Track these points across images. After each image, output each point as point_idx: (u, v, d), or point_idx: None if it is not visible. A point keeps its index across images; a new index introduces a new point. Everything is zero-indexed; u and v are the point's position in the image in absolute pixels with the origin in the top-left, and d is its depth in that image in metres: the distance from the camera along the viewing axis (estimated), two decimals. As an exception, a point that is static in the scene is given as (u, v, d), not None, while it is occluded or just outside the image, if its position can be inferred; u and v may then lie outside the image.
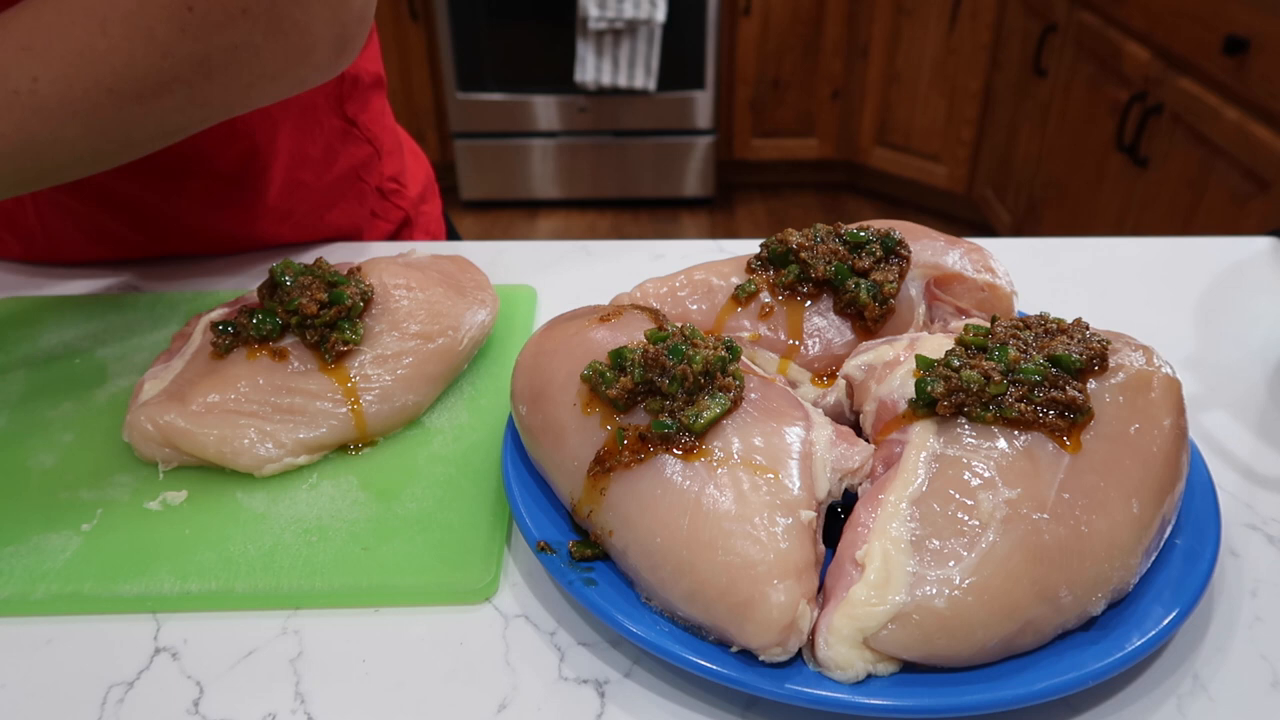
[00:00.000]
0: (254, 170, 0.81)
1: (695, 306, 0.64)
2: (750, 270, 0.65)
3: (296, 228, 0.86)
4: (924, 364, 0.52)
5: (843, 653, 0.44)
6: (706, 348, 0.53)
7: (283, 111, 0.80)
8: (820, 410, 0.55)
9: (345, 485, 0.59)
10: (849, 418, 0.57)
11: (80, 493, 0.58)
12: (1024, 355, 0.51)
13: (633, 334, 0.56)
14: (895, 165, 3.08)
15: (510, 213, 3.27)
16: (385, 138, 0.91)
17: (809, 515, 0.47)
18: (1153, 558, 0.48)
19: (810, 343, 0.62)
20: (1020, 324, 0.55)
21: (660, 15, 2.81)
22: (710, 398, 0.51)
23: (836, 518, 0.52)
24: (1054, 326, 0.54)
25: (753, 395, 0.53)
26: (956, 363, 0.51)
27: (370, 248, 0.87)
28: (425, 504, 0.57)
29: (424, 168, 0.99)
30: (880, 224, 0.66)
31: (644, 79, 2.92)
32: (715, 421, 0.50)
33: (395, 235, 0.95)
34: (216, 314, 0.66)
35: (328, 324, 0.61)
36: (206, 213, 0.82)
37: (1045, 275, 0.83)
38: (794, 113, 3.13)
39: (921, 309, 0.64)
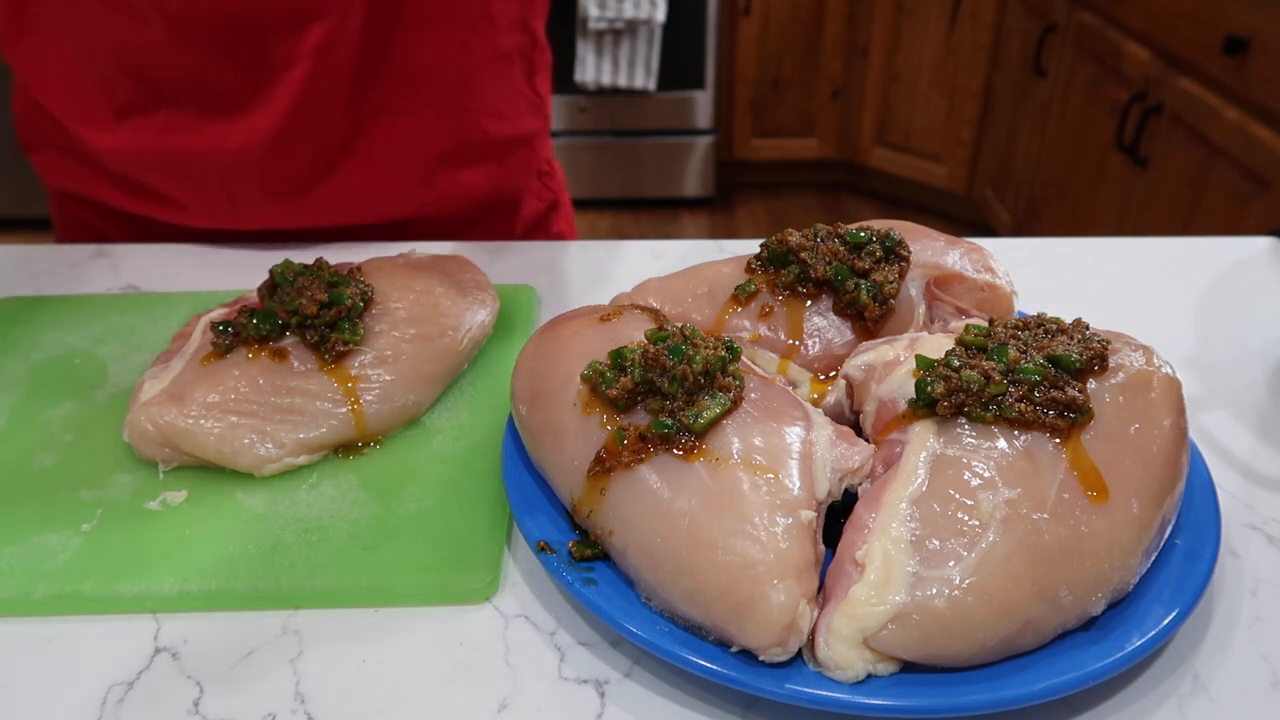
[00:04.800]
0: (459, 109, 0.87)
1: (695, 306, 0.64)
2: (750, 270, 0.65)
3: (472, 175, 0.91)
4: (924, 364, 0.52)
5: (843, 653, 0.44)
6: (706, 348, 0.53)
7: (493, 62, 0.87)
8: (820, 410, 0.55)
9: (345, 485, 0.59)
10: (849, 418, 0.57)
11: (80, 493, 0.58)
12: (1024, 355, 0.51)
13: (633, 334, 0.56)
14: (895, 165, 3.08)
15: (510, 213, 3.26)
16: (548, 120, 0.99)
17: (809, 515, 0.47)
18: (1153, 558, 0.48)
19: (810, 343, 0.62)
20: (1020, 324, 0.55)
21: (660, 15, 2.80)
22: (710, 398, 0.51)
23: (836, 518, 0.52)
24: (1054, 326, 0.54)
25: (753, 395, 0.53)
26: (956, 363, 0.51)
27: (370, 248, 0.87)
28: (425, 504, 0.57)
29: (557, 163, 1.07)
30: (880, 224, 0.66)
31: (644, 79, 2.92)
32: (715, 421, 0.50)
33: (544, 216, 1.02)
34: (216, 314, 0.66)
35: (328, 324, 0.61)
36: (410, 141, 0.86)
37: (1045, 275, 0.83)
38: (794, 113, 3.13)
39: (921, 309, 0.64)
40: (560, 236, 1.05)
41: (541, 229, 1.03)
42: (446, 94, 0.86)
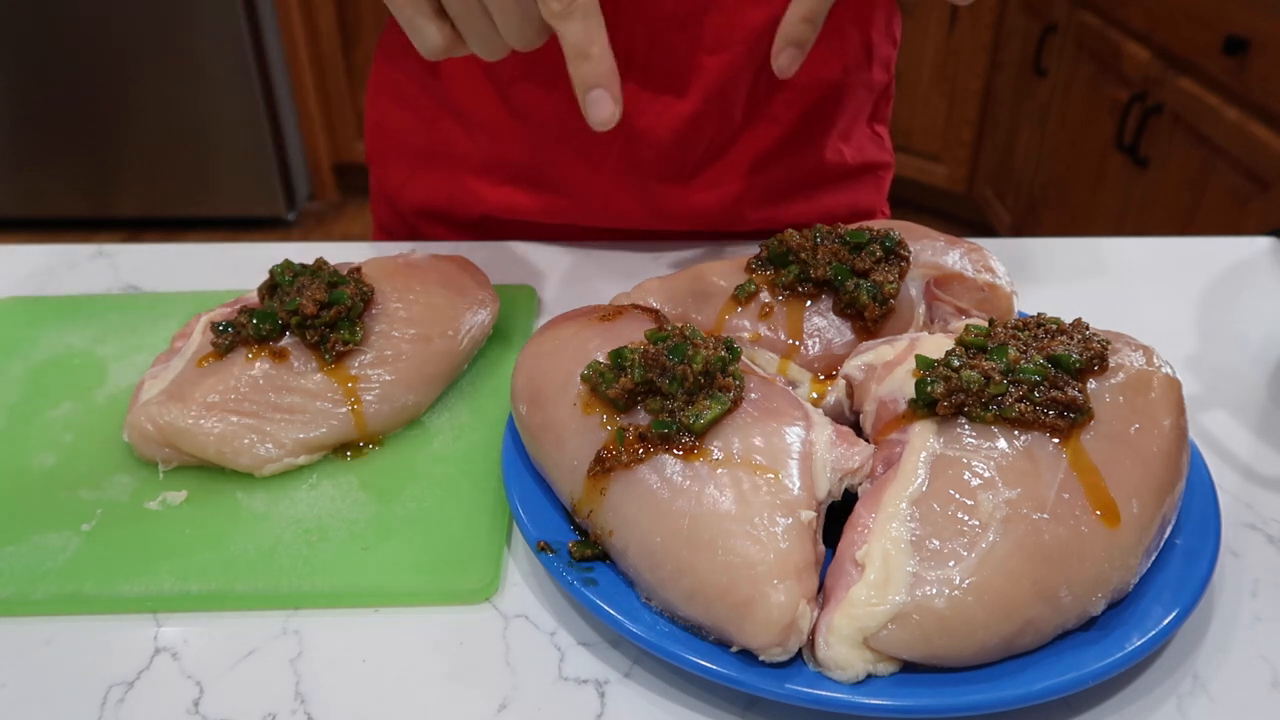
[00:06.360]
0: (819, 130, 0.88)
1: (695, 306, 0.64)
2: (750, 270, 0.65)
3: (819, 197, 0.93)
4: (924, 364, 0.52)
5: (843, 653, 0.44)
6: (706, 348, 0.53)
7: (859, 90, 0.89)
8: (820, 410, 0.55)
9: (345, 485, 0.59)
10: (849, 418, 0.57)
11: (80, 493, 0.58)
12: (1024, 355, 0.51)
13: (633, 334, 0.56)
14: (895, 165, 3.07)
15: (510, 213, 3.25)
16: (891, 156, 1.00)
17: (809, 515, 0.47)
18: (1153, 558, 0.48)
19: (810, 343, 0.62)
20: (1020, 324, 0.55)
21: (660, 15, 2.80)
22: (710, 398, 0.51)
23: (836, 518, 0.52)
24: (1054, 326, 0.54)
25: (753, 395, 0.53)
26: (956, 363, 0.51)
27: (370, 248, 0.87)
28: (425, 504, 0.57)
29: None
30: (880, 224, 0.66)
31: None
32: (715, 421, 0.50)
33: None
34: (216, 314, 0.66)
35: (328, 324, 0.61)
36: (772, 152, 0.87)
37: (1045, 275, 0.83)
38: (794, 113, 3.13)
39: (921, 309, 0.64)
40: None
41: None
42: (813, 111, 0.87)
